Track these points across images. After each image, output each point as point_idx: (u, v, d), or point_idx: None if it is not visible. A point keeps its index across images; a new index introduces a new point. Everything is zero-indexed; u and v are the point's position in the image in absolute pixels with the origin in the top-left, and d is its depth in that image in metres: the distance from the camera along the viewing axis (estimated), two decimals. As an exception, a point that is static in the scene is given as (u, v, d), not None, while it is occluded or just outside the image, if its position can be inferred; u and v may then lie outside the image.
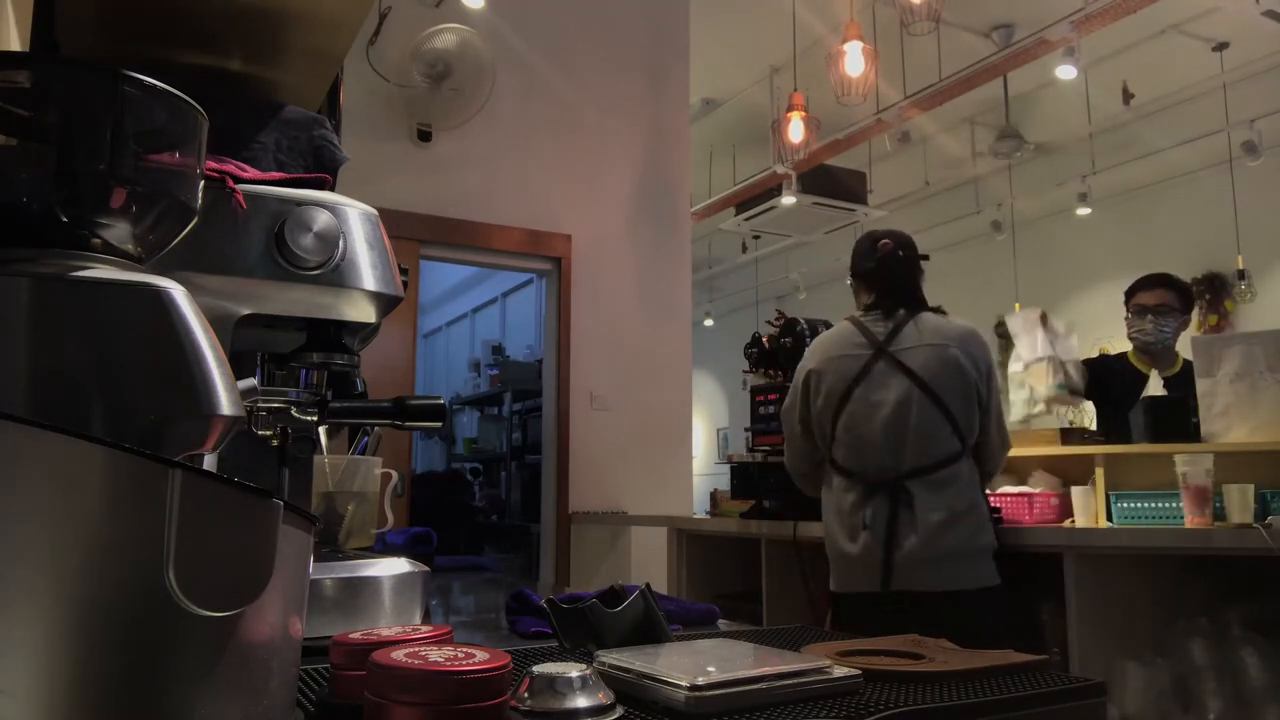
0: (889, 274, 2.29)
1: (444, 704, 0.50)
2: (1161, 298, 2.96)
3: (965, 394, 2.13)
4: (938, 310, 2.30)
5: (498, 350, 6.37)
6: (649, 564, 3.85)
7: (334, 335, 0.99)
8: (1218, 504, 2.16)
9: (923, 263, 2.37)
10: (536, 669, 0.56)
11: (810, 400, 2.28)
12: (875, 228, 2.94)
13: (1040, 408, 2.91)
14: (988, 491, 2.61)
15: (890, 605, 2.05)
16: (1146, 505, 2.36)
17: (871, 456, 2.14)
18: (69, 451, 0.42)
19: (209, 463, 0.76)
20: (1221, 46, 5.56)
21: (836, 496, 2.21)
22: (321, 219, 0.91)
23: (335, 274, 0.91)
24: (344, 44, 1.21)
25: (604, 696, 0.57)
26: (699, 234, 6.88)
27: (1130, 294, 3.04)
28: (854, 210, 6.02)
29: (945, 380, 2.11)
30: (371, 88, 3.97)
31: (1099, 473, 2.48)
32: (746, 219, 6.29)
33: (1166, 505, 2.29)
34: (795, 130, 4.70)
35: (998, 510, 2.36)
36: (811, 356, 2.32)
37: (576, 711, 0.55)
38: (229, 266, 0.88)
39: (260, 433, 0.97)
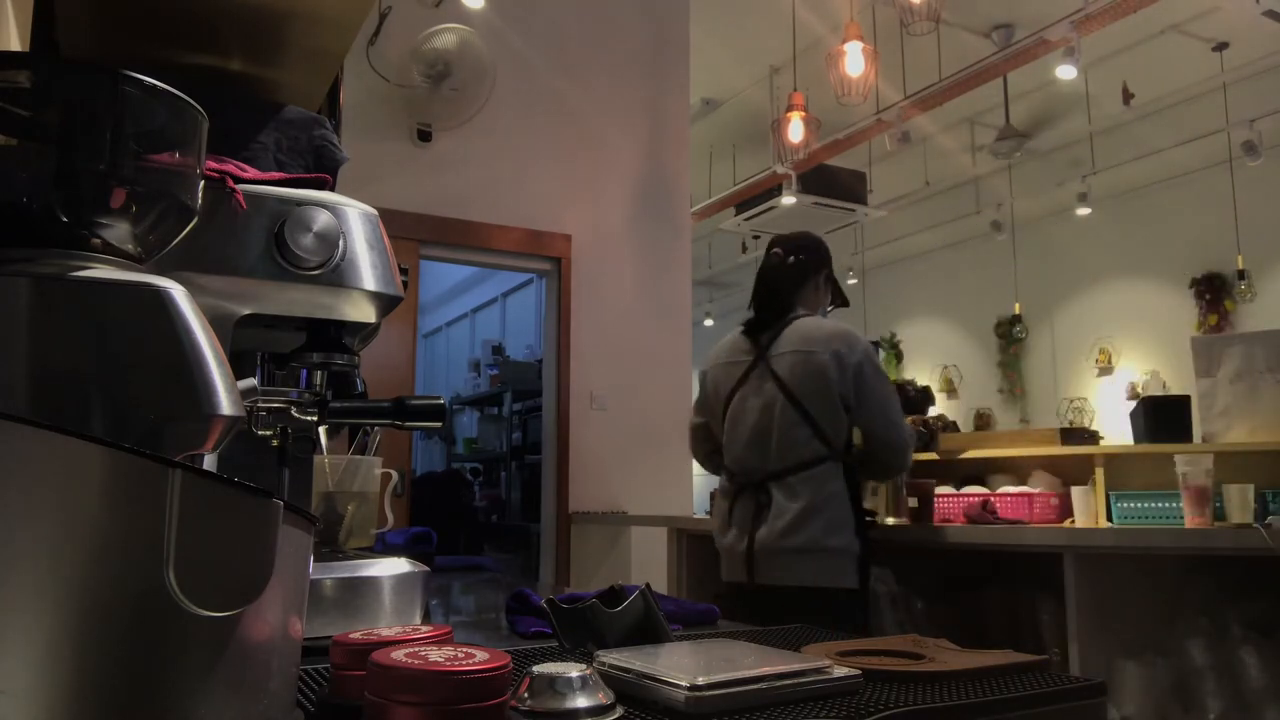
0: (767, 282, 2.41)
1: (444, 704, 0.50)
2: None
3: (828, 398, 2.18)
4: (830, 309, 2.42)
5: (498, 350, 6.37)
6: (649, 564, 3.85)
7: (334, 335, 0.99)
8: (1218, 504, 2.16)
9: (823, 271, 2.42)
10: (536, 669, 0.56)
11: (705, 397, 2.45)
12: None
13: None
14: (996, 492, 2.59)
15: (756, 597, 2.18)
16: (1146, 505, 2.36)
17: (743, 458, 2.28)
18: (69, 451, 0.41)
19: (209, 463, 0.76)
20: (1221, 46, 5.56)
21: (720, 492, 2.40)
22: (321, 219, 0.91)
23: (335, 274, 0.91)
24: (344, 44, 1.21)
25: (604, 696, 0.57)
26: (699, 234, 6.88)
27: None
28: (854, 210, 6.02)
29: (809, 385, 2.19)
30: (371, 88, 3.97)
31: (1099, 473, 2.48)
32: (746, 219, 6.29)
33: (1166, 505, 2.29)
34: (795, 130, 4.70)
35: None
36: (708, 359, 2.47)
37: (576, 711, 0.55)
38: (229, 266, 0.88)
39: (260, 433, 0.97)
